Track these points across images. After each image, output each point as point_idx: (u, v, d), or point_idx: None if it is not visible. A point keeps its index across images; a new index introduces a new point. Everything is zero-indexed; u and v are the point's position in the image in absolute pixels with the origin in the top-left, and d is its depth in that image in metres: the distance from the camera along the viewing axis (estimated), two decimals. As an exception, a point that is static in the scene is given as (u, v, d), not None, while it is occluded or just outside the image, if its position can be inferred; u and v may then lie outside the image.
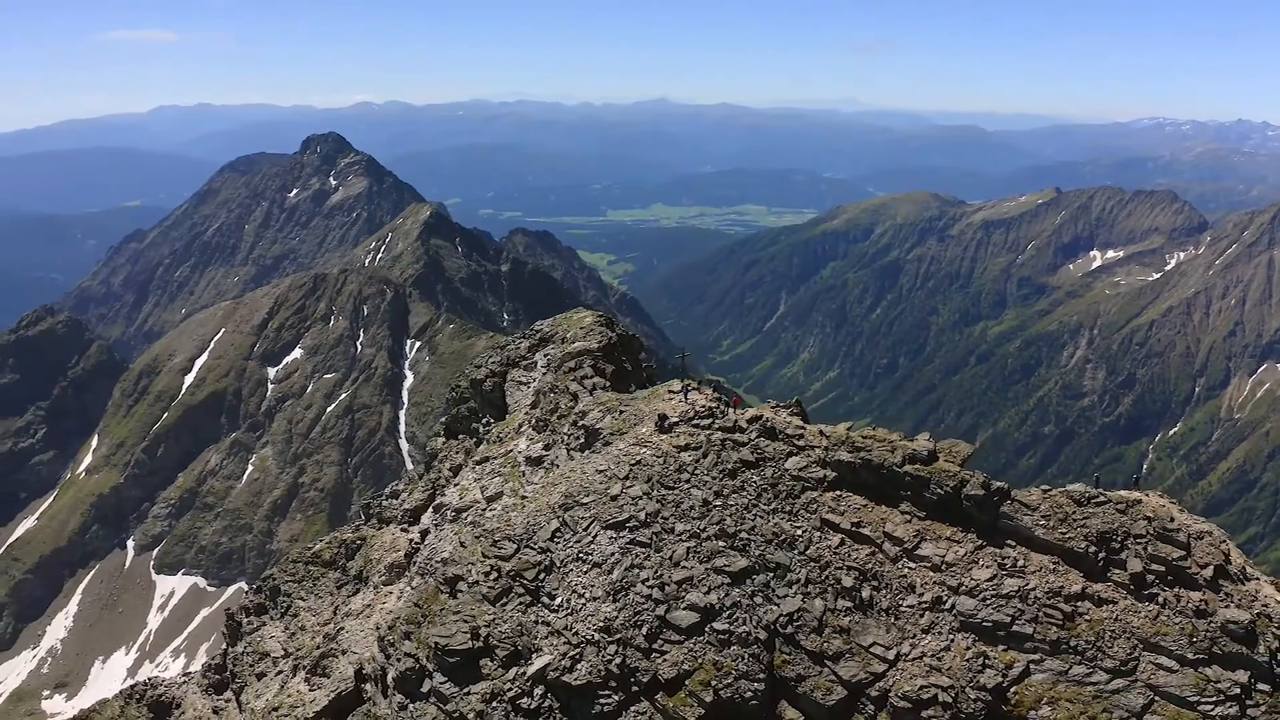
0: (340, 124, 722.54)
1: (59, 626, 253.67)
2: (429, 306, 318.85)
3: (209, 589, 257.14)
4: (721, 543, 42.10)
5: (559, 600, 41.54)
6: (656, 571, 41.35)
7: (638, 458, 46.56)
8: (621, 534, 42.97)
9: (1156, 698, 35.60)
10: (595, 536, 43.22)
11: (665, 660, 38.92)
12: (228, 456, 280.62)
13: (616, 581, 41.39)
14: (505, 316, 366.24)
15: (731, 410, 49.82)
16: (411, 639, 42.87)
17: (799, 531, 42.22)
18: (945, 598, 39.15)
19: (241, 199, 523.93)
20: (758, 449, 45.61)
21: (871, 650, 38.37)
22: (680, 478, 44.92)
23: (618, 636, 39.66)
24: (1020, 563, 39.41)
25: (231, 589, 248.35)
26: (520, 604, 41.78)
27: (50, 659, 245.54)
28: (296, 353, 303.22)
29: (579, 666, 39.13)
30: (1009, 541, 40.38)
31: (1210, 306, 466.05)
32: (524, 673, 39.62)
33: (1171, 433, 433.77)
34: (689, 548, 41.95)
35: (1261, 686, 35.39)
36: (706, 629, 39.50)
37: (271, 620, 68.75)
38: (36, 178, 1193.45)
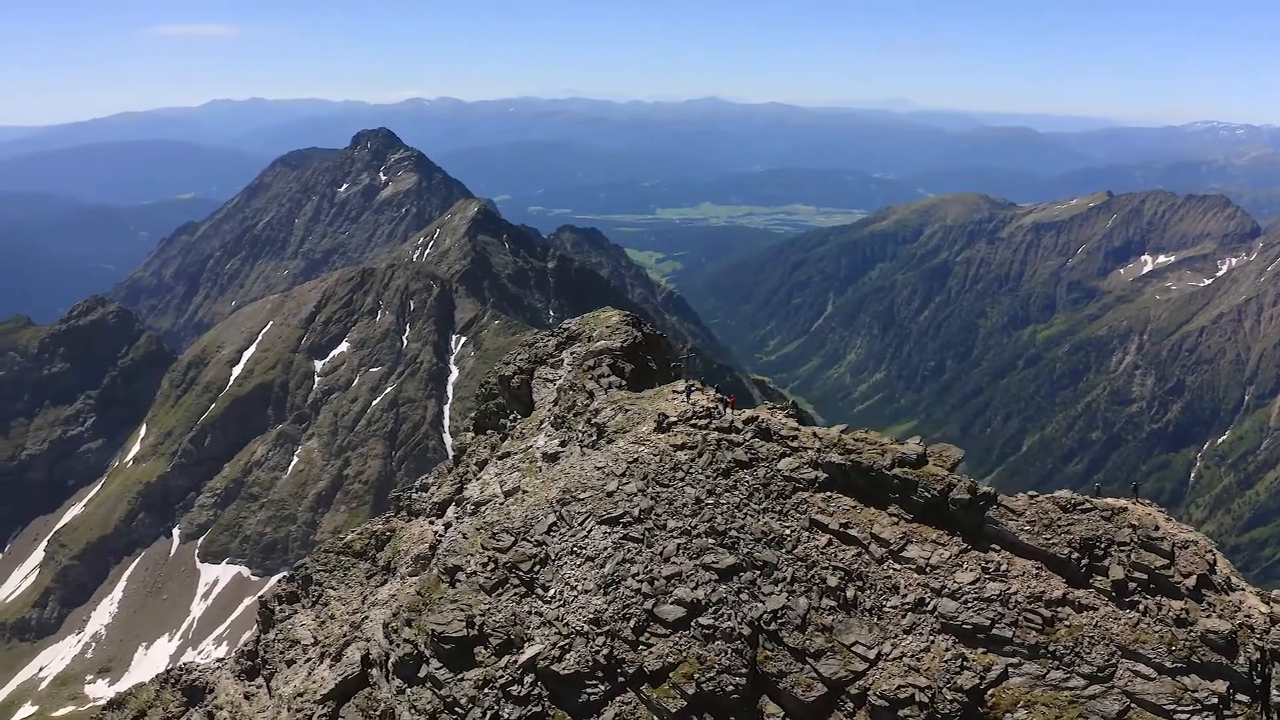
0: (391, 120, 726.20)
1: (104, 612, 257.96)
2: (475, 302, 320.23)
3: (252, 578, 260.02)
4: (711, 540, 43.00)
5: (552, 592, 42.65)
6: (647, 566, 42.34)
7: (635, 455, 47.57)
8: (615, 529, 44.03)
9: (1133, 705, 35.91)
10: (590, 531, 44.28)
11: (651, 653, 39.90)
12: (274, 448, 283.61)
13: (608, 575, 42.43)
14: (551, 313, 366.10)
15: (729, 411, 50.77)
16: (411, 626, 44.17)
17: (788, 531, 42.99)
18: (928, 599, 39.77)
19: (292, 193, 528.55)
20: (752, 449, 46.46)
21: (853, 649, 39.12)
22: (675, 476, 45.86)
23: (606, 628, 40.70)
24: (1003, 567, 39.90)
25: (274, 578, 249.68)
26: (515, 595, 42.95)
27: (94, 644, 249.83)
28: (343, 346, 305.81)
29: (568, 656, 40.22)
30: (994, 546, 40.86)
31: (1262, 313, 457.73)
32: (515, 661, 40.78)
33: (1220, 441, 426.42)
34: (679, 544, 42.88)
35: (1241, 697, 35.53)
36: (692, 623, 40.42)
37: (303, 608, 70.38)
38: (91, 170, 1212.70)
